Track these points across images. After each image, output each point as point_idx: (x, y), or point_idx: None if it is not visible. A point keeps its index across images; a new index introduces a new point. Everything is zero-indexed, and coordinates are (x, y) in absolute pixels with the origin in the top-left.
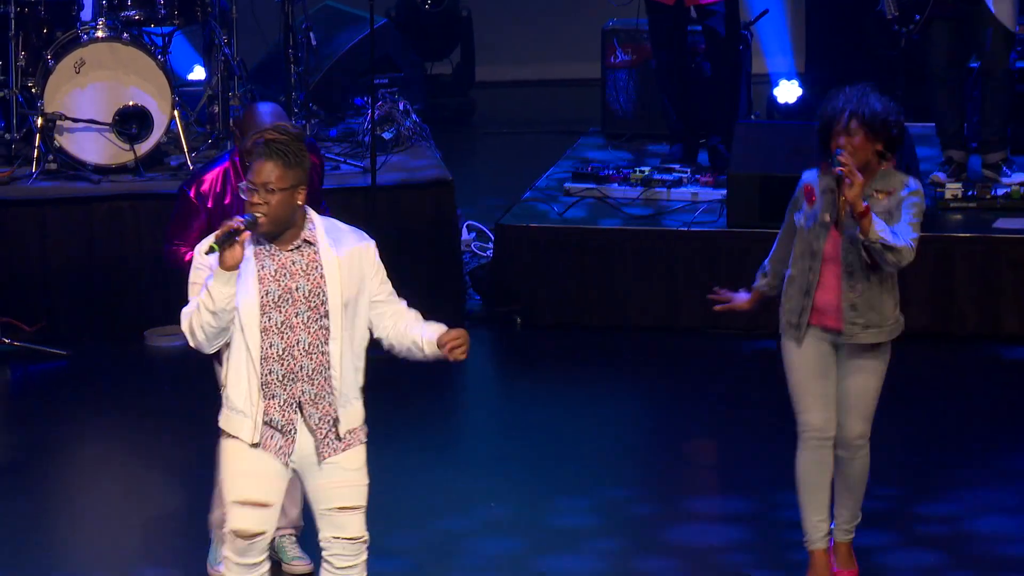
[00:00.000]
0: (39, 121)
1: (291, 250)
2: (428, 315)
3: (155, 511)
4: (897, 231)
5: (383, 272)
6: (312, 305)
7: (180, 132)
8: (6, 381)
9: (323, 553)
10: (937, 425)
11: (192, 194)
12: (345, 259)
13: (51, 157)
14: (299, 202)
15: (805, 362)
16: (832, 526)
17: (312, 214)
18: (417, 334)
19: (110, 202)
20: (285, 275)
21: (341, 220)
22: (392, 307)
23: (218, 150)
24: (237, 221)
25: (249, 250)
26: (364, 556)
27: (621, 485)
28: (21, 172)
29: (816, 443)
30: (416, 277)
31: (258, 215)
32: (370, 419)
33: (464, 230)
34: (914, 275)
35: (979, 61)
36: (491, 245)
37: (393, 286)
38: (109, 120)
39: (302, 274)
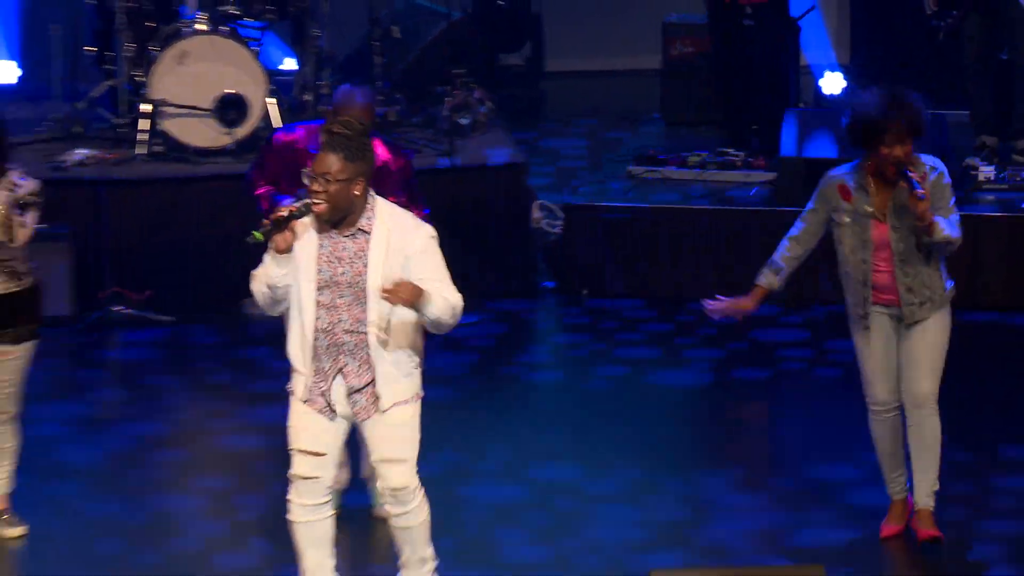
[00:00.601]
0: (145, 107)
1: (346, 236)
2: (500, 286)
3: (251, 453)
4: (950, 221)
5: (435, 265)
6: (354, 291)
7: (274, 118)
8: (118, 344)
9: (380, 502)
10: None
11: (279, 138)
12: (393, 246)
13: (156, 140)
14: (356, 193)
15: (871, 345)
16: (911, 496)
17: (378, 204)
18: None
19: (210, 182)
20: (336, 259)
21: (422, 200)
22: (430, 294)
23: None
24: (287, 208)
25: (312, 234)
26: (413, 505)
27: (678, 448)
28: (128, 154)
29: (884, 414)
30: (491, 252)
31: (315, 203)
32: (449, 380)
33: (535, 208)
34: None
35: (1010, 54)
36: (560, 222)
37: (468, 261)
38: (209, 107)
39: (348, 260)
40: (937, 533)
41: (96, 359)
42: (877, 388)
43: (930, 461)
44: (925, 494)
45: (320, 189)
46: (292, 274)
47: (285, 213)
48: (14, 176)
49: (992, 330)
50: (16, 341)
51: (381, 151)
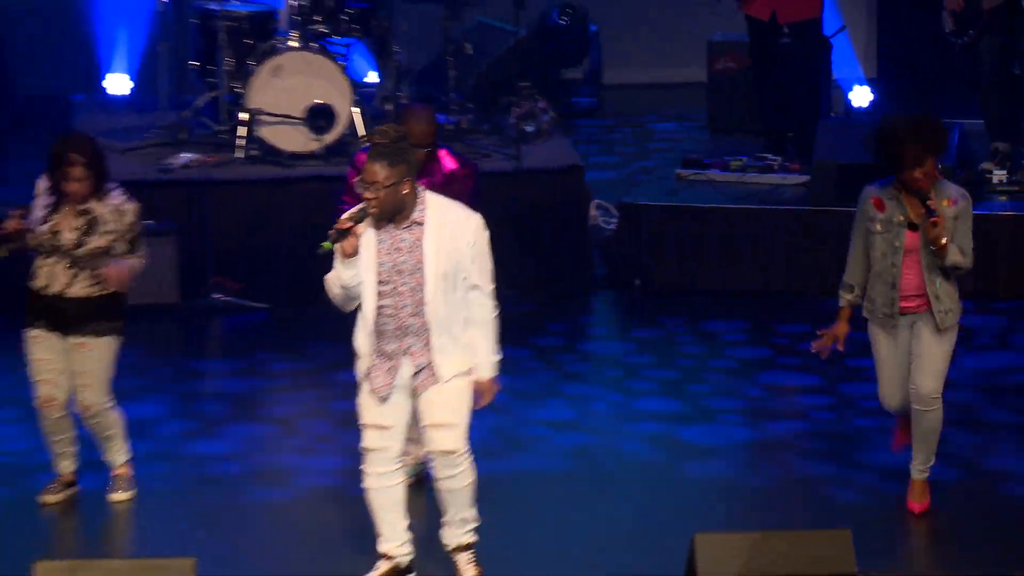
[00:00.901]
0: (243, 116)
1: (403, 229)
2: (559, 278)
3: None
4: (963, 247)
5: (480, 253)
6: (415, 277)
7: (359, 126)
8: (219, 328)
9: (429, 465)
10: (983, 370)
11: (357, 161)
12: (444, 239)
13: (253, 146)
14: (405, 191)
15: (891, 351)
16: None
17: (427, 196)
18: (474, 352)
19: (300, 183)
20: (395, 250)
21: (489, 199)
22: (475, 301)
23: None
24: (347, 219)
25: (371, 232)
26: (461, 469)
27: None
28: (228, 158)
29: (891, 407)
30: (551, 247)
31: (370, 208)
32: (510, 359)
33: (592, 207)
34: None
35: (1021, 68)
36: (615, 220)
37: (531, 255)
38: (300, 115)
39: (408, 250)
40: (921, 507)
41: (200, 341)
42: (887, 394)
43: (928, 445)
44: (918, 469)
45: (372, 196)
46: (359, 271)
47: (347, 223)
48: (116, 194)
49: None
50: (98, 335)
51: (448, 161)
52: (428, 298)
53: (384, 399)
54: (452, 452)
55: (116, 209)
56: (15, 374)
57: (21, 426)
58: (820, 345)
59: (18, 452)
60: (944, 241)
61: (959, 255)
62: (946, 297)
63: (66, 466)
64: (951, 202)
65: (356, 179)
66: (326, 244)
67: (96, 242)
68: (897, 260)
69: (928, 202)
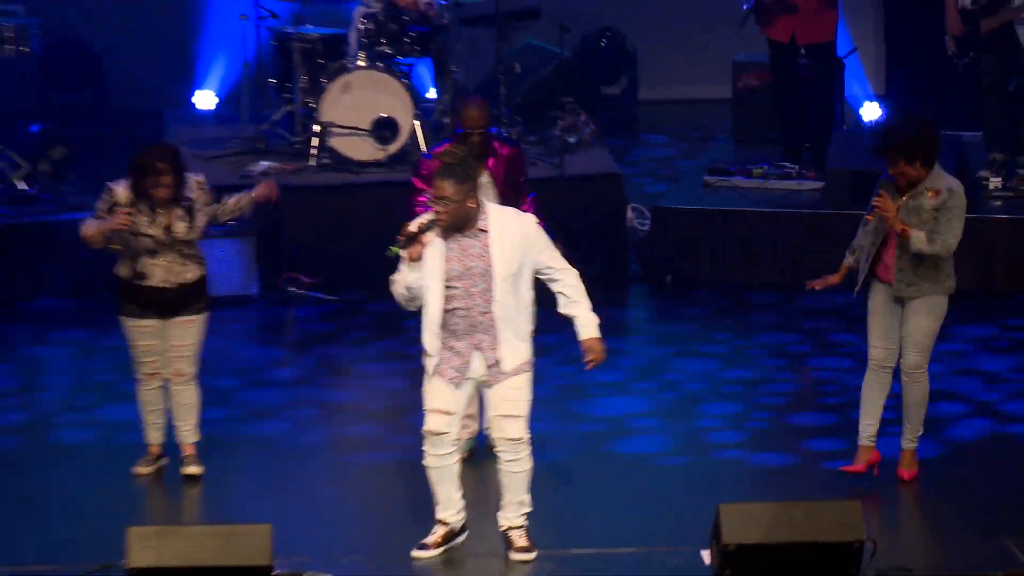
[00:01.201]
0: (316, 128)
1: (470, 237)
2: (599, 274)
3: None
4: (936, 235)
5: (545, 242)
6: (485, 279)
7: (420, 137)
8: (293, 318)
9: (494, 450)
10: (977, 351)
11: (422, 168)
12: (507, 244)
13: (324, 155)
14: (471, 205)
15: (874, 308)
16: (874, 432)
17: (488, 207)
18: (575, 320)
19: (367, 188)
20: (465, 256)
21: (537, 204)
22: (560, 279)
23: None
24: (416, 225)
25: (438, 241)
26: (523, 455)
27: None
28: (302, 166)
29: (875, 368)
30: (591, 246)
31: (439, 220)
32: (552, 350)
33: (628, 210)
34: (965, 246)
35: (1016, 86)
36: (648, 222)
37: (574, 252)
38: (367, 127)
39: (476, 256)
40: (910, 474)
41: (276, 329)
42: (874, 346)
43: (915, 416)
44: (908, 439)
45: (442, 209)
46: (424, 276)
47: (415, 229)
48: (192, 176)
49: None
50: (199, 312)
51: (497, 145)
52: (496, 297)
53: (452, 388)
54: (517, 440)
55: (196, 187)
56: (104, 360)
57: (111, 406)
58: (814, 283)
59: (112, 429)
60: (900, 227)
61: (923, 243)
62: (913, 274)
63: (156, 438)
64: (935, 194)
65: (428, 198)
66: (394, 248)
67: (201, 221)
68: (877, 240)
69: (905, 196)
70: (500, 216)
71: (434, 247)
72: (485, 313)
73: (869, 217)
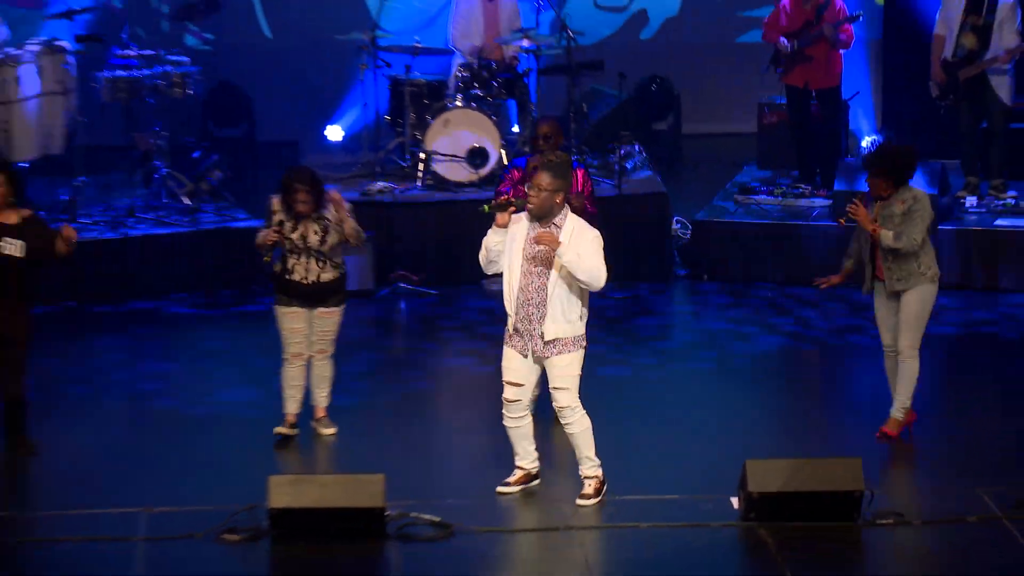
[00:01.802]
0: (422, 156)
1: (545, 229)
2: (650, 271)
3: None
4: (903, 233)
5: (594, 247)
6: (545, 265)
7: (505, 162)
8: (400, 310)
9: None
10: (957, 337)
11: (509, 172)
12: (574, 239)
13: (428, 177)
14: (557, 201)
15: (878, 306)
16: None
17: (569, 214)
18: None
19: (463, 204)
20: (535, 244)
21: (598, 217)
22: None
23: None
24: (506, 197)
25: (525, 223)
26: (574, 419)
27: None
28: (410, 186)
29: (888, 353)
30: (643, 251)
31: (529, 203)
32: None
33: (673, 222)
34: (949, 254)
35: (988, 125)
36: (689, 232)
37: (630, 257)
38: (463, 155)
39: (541, 247)
40: (893, 434)
41: (389, 316)
42: (882, 334)
43: (904, 389)
44: (896, 409)
45: (534, 195)
46: (505, 244)
47: (504, 200)
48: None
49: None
50: (337, 305)
51: (579, 183)
52: (550, 283)
53: (521, 358)
54: (565, 407)
55: (335, 209)
56: (250, 347)
57: (253, 384)
58: (820, 281)
59: (254, 401)
60: (870, 227)
61: (890, 240)
62: (897, 269)
63: (293, 408)
64: (902, 203)
65: (522, 178)
66: (486, 207)
67: (332, 239)
68: (867, 246)
69: (849, 211)
70: (576, 222)
71: (521, 228)
72: (539, 291)
73: (841, 221)
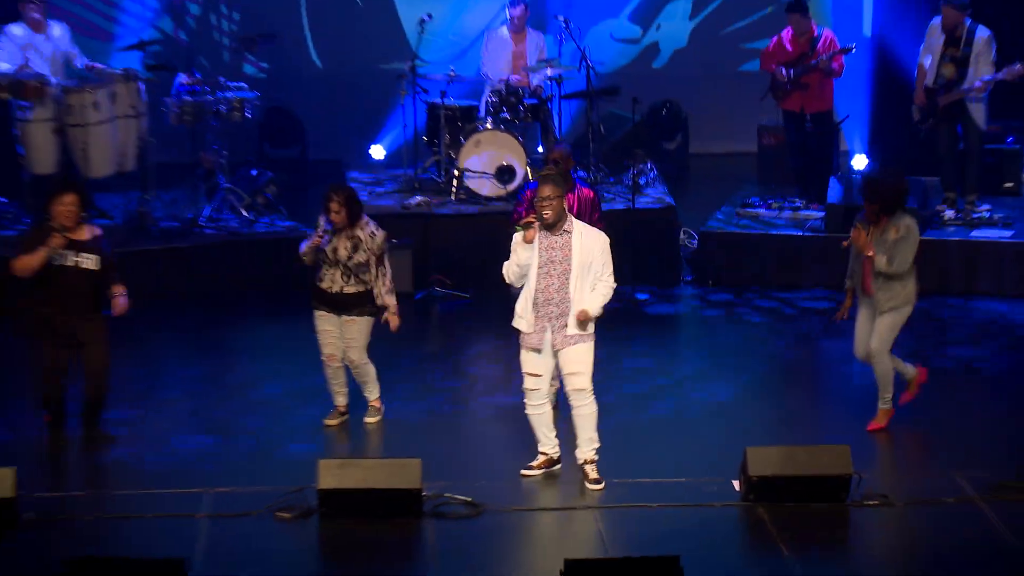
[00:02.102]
0: (456, 173)
1: (557, 235)
2: (661, 277)
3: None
4: (894, 258)
5: (607, 257)
6: (563, 268)
7: (530, 179)
8: (437, 311)
9: (569, 400)
10: (937, 336)
11: (523, 195)
12: (584, 244)
13: (461, 192)
14: (563, 208)
15: (861, 318)
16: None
17: (572, 218)
18: (595, 295)
19: (492, 216)
20: (551, 248)
21: (612, 229)
22: (601, 283)
23: None
24: (532, 216)
25: (539, 236)
26: (587, 400)
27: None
28: (445, 200)
29: (860, 358)
30: (654, 258)
31: (544, 215)
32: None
33: (681, 232)
34: (928, 262)
35: (964, 145)
36: (696, 241)
37: (642, 263)
38: (493, 172)
39: (558, 249)
40: (880, 426)
41: (423, 320)
42: (856, 344)
43: (882, 386)
44: (881, 402)
45: (546, 207)
46: (529, 260)
47: (532, 219)
48: (370, 225)
49: (952, 304)
50: (360, 315)
51: (579, 187)
52: (572, 282)
53: (537, 353)
54: (582, 390)
55: (371, 235)
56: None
57: (307, 376)
58: (839, 316)
59: (304, 392)
60: (869, 253)
61: (884, 264)
62: (886, 289)
63: (340, 401)
64: (896, 230)
65: (533, 199)
66: (518, 227)
67: (359, 257)
68: (858, 266)
69: (877, 230)
70: (584, 227)
71: (538, 239)
72: (559, 291)
73: (844, 243)
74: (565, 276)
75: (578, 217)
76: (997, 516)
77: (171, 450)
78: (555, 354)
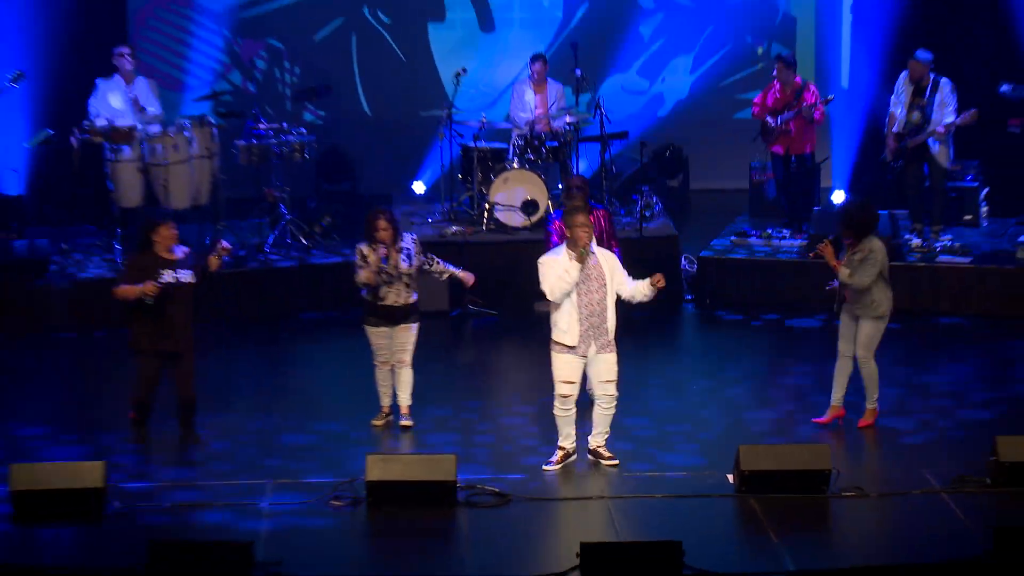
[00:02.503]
0: (487, 205)
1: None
2: (663, 299)
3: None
4: (856, 273)
5: (623, 269)
6: (598, 284)
7: (551, 212)
8: (470, 327)
9: (596, 402)
10: (906, 349)
11: (553, 225)
12: (607, 262)
13: (491, 223)
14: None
15: (843, 320)
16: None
17: (594, 246)
18: (637, 285)
19: (517, 244)
20: (587, 267)
21: (621, 253)
22: (627, 282)
23: None
24: (584, 244)
25: (565, 256)
26: (615, 403)
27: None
28: (477, 230)
29: (841, 356)
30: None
31: (585, 239)
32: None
33: (682, 258)
34: (898, 285)
35: (931, 184)
36: (695, 265)
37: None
38: (518, 205)
39: (592, 268)
40: (868, 423)
41: (457, 334)
42: (841, 341)
43: (870, 387)
44: (869, 402)
45: (585, 233)
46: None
47: (586, 246)
48: (407, 237)
49: (920, 320)
50: (415, 321)
51: (596, 211)
52: (609, 295)
53: (574, 365)
54: (612, 395)
55: (412, 240)
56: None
57: (356, 382)
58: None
59: (357, 396)
60: (833, 263)
61: (845, 276)
62: (856, 301)
63: (386, 402)
64: (862, 252)
65: (565, 226)
66: (582, 252)
67: (416, 262)
68: (837, 282)
69: (850, 252)
70: (602, 251)
71: (563, 260)
72: (599, 303)
73: (811, 255)
74: (602, 291)
75: (600, 233)
76: (957, 506)
77: (240, 446)
78: (592, 361)
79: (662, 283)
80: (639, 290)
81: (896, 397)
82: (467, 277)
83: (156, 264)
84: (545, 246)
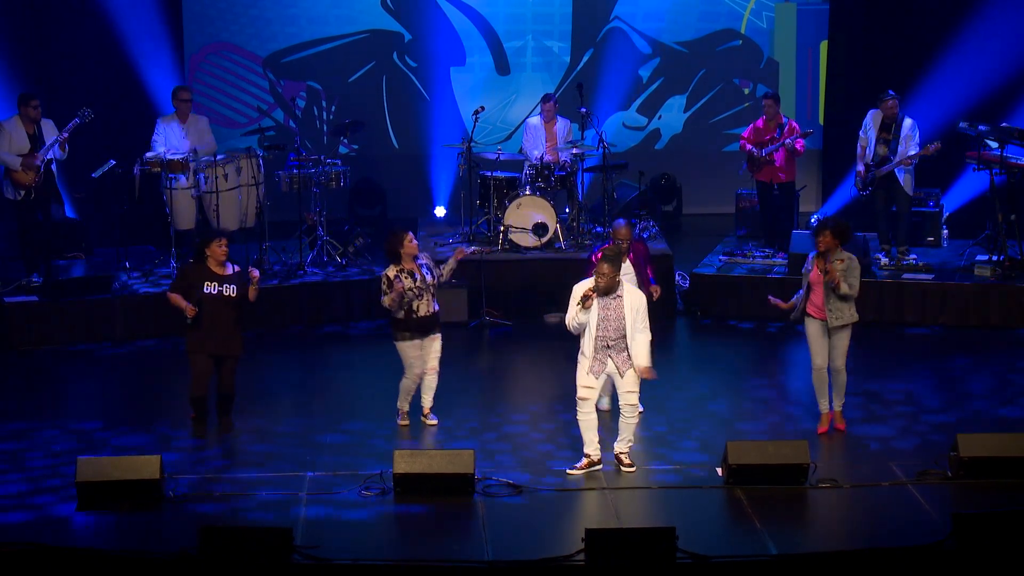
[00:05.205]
0: (502, 227)
1: (611, 299)
2: (659, 311)
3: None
4: (851, 284)
5: (644, 313)
6: (616, 323)
7: (559, 235)
8: (487, 336)
9: (620, 412)
10: (875, 357)
11: (595, 253)
12: (631, 304)
13: (505, 244)
14: (617, 280)
15: (812, 334)
16: (831, 406)
17: (625, 284)
18: (638, 351)
19: (529, 262)
20: (607, 308)
21: (654, 273)
22: (640, 334)
23: (577, 247)
24: (591, 290)
25: (598, 299)
26: (637, 412)
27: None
28: (493, 249)
29: (818, 370)
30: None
31: (598, 284)
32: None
33: (676, 275)
34: (868, 298)
35: (897, 208)
36: (688, 281)
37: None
38: (530, 228)
39: (612, 308)
40: (841, 426)
41: (478, 342)
42: (816, 356)
43: (841, 393)
44: (838, 407)
45: (601, 279)
46: (589, 316)
47: (591, 293)
48: (421, 256)
49: (888, 331)
50: (439, 331)
51: (635, 243)
52: (628, 329)
53: (594, 377)
54: (634, 404)
55: (427, 258)
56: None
57: (383, 385)
58: (776, 304)
59: (385, 398)
60: (837, 280)
61: (847, 288)
62: (837, 311)
63: (405, 407)
64: (842, 261)
65: (597, 273)
66: (590, 293)
67: (436, 272)
68: (810, 290)
69: (828, 264)
70: (631, 290)
71: (596, 302)
72: (617, 333)
73: (813, 278)
74: (620, 324)
75: (636, 267)
76: (921, 495)
77: (281, 443)
78: (615, 375)
79: (646, 375)
80: (637, 352)
81: (866, 400)
82: (458, 252)
83: (204, 276)
84: (585, 269)
